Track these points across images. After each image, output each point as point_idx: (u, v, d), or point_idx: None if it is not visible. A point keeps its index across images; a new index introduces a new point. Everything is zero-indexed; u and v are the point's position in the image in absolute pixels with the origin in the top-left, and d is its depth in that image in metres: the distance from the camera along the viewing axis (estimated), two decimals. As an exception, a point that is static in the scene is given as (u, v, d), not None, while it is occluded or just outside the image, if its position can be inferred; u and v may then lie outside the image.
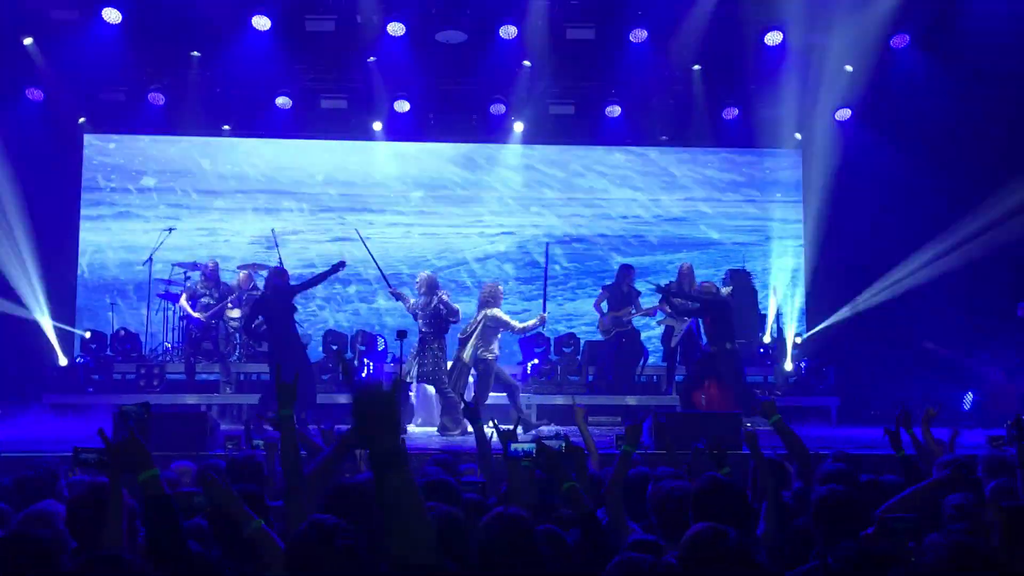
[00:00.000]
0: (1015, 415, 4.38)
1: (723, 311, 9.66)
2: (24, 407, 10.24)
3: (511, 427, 4.41)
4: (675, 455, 5.57)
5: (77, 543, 3.21)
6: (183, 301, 10.92)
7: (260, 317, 9.46)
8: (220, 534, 3.34)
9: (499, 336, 9.65)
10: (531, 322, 9.74)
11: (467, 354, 9.44)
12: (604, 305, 11.04)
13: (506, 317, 9.59)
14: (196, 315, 10.70)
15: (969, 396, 10.76)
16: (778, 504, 4.04)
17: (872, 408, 11.01)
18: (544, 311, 9.92)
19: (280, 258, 12.04)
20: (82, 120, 12.79)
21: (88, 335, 11.61)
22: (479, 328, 9.44)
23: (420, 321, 9.59)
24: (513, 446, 3.73)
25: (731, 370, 9.48)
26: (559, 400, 10.64)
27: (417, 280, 9.82)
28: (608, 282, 11.25)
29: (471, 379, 9.63)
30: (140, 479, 2.85)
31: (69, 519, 3.37)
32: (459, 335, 9.66)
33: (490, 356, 9.42)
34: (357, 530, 2.85)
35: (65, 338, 12.09)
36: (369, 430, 1.85)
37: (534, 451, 3.64)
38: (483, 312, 9.54)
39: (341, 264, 9.47)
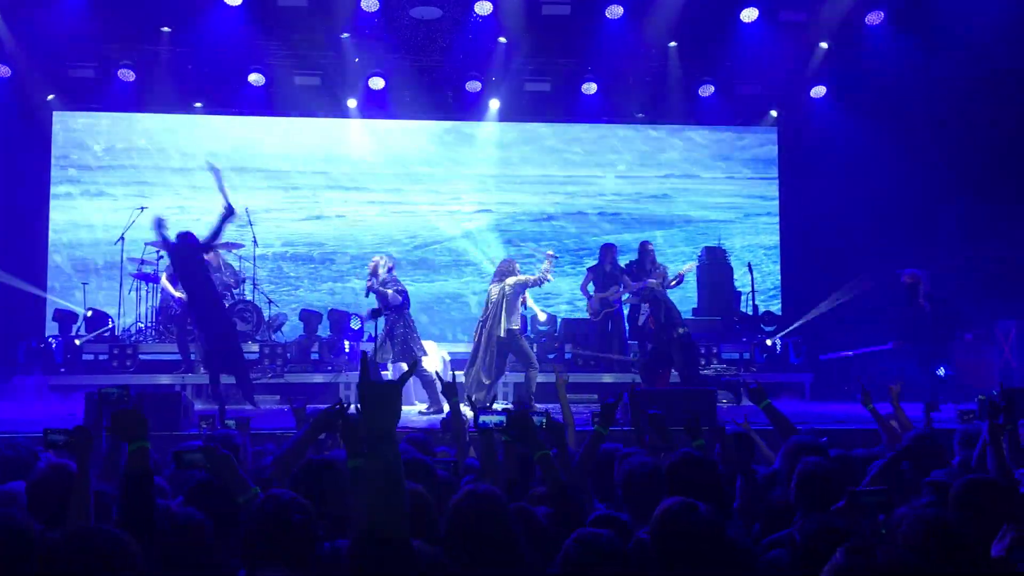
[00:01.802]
0: (985, 391, 4.44)
1: (660, 303, 9.58)
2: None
3: (488, 404, 4.40)
4: (641, 433, 5.56)
5: (40, 524, 3.19)
6: (164, 281, 10.78)
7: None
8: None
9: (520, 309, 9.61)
10: (544, 265, 9.52)
11: (501, 330, 9.38)
12: (591, 287, 11.02)
13: (523, 277, 9.42)
14: (178, 295, 10.58)
15: (941, 371, 10.87)
16: (751, 478, 4.08)
17: (845, 384, 11.11)
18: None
19: (254, 236, 11.98)
20: (51, 97, 12.57)
21: (90, 314, 11.48)
22: (504, 301, 9.37)
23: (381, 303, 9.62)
24: (482, 418, 3.70)
25: (684, 356, 9.41)
26: (539, 377, 10.62)
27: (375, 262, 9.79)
28: (592, 263, 11.21)
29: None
30: (131, 448, 2.99)
31: (29, 500, 3.35)
32: (479, 318, 9.58)
33: (516, 327, 9.41)
34: (321, 503, 2.86)
35: (37, 318, 11.96)
36: (372, 411, 2.07)
37: (504, 422, 3.62)
38: (502, 284, 9.46)
39: (230, 210, 9.11)
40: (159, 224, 9.21)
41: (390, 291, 9.49)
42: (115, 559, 2.21)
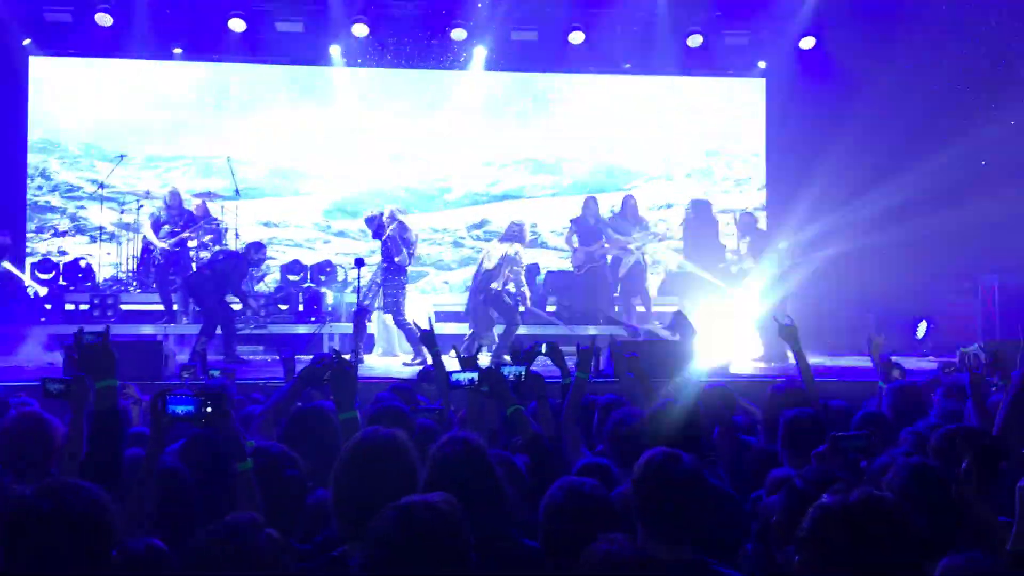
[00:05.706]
0: (966, 344, 4.47)
1: None
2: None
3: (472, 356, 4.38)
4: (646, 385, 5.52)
5: (8, 476, 3.17)
6: (146, 230, 10.66)
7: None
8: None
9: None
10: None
11: (499, 285, 9.38)
12: (575, 239, 10.98)
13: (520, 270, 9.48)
14: (161, 244, 10.47)
15: (923, 325, 10.95)
16: (729, 428, 4.13)
17: (828, 337, 11.14)
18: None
19: (236, 186, 11.84)
20: (27, 42, 12.28)
21: (84, 263, 11.42)
22: (507, 265, 9.38)
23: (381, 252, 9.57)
24: (455, 375, 3.69)
25: None
26: (521, 330, 10.61)
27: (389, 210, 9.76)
28: (575, 215, 11.16)
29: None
30: (99, 386, 2.94)
31: None
32: (482, 271, 9.58)
33: (513, 290, 9.42)
34: (311, 451, 2.85)
35: (16, 267, 11.83)
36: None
37: (476, 379, 3.62)
38: (511, 247, 9.48)
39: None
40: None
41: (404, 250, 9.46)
42: (87, 513, 2.17)
